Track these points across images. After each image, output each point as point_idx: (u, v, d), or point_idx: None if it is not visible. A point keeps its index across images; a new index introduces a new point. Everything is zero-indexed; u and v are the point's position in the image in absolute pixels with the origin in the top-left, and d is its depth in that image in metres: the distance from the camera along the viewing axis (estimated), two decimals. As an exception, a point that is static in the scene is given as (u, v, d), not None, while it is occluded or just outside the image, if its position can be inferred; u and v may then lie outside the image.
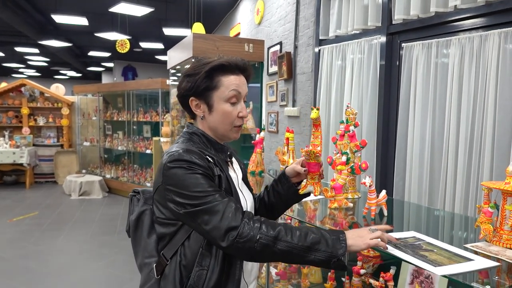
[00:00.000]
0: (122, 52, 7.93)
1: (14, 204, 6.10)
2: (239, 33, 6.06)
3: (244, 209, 1.08)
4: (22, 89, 7.89)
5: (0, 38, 10.27)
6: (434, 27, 2.46)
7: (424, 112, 2.53)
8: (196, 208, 0.97)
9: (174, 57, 3.95)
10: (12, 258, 3.84)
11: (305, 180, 1.21)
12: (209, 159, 1.06)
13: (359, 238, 0.99)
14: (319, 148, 1.19)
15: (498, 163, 2.07)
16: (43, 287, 3.25)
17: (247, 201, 1.17)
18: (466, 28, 2.28)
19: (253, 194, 1.29)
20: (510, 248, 1.14)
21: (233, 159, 1.27)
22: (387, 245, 1.05)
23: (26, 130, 7.64)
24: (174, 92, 4.84)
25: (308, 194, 1.22)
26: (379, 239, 1.02)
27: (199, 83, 1.10)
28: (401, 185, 2.68)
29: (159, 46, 9.88)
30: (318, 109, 1.20)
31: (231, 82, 1.10)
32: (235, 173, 1.20)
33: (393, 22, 2.70)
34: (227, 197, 1.01)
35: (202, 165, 1.02)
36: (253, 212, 1.25)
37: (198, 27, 5.37)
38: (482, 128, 2.18)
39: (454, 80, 2.34)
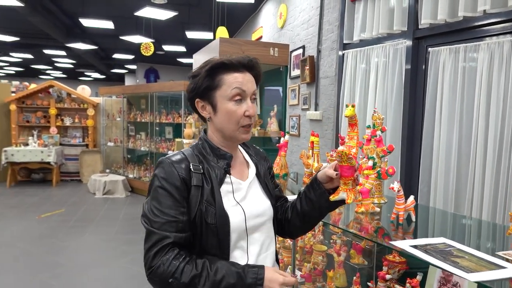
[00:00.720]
0: (147, 55, 8.11)
1: (42, 201, 6.31)
2: (261, 37, 6.11)
3: (238, 222, 1.04)
4: (50, 90, 8.15)
5: (30, 40, 10.65)
6: (462, 31, 2.43)
7: (450, 118, 2.50)
8: (145, 223, 1.02)
9: (199, 60, 4.02)
10: (41, 253, 3.98)
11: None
12: (193, 169, 1.04)
13: (274, 283, 0.99)
14: (354, 150, 1.06)
15: (528, 171, 2.04)
16: (70, 282, 3.36)
17: (245, 213, 1.06)
18: (495, 33, 2.26)
19: (274, 199, 1.21)
20: (544, 257, 1.13)
21: (240, 164, 1.17)
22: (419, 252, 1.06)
23: (53, 129, 7.89)
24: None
25: (342, 202, 1.08)
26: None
27: (201, 83, 1.07)
28: (426, 191, 2.66)
29: (181, 49, 10.04)
30: (353, 106, 1.07)
31: (234, 80, 1.05)
32: (231, 183, 1.09)
33: (420, 27, 2.69)
34: (169, 231, 0.98)
35: (169, 180, 1.01)
36: (270, 217, 1.15)
37: (222, 31, 5.45)
38: (512, 135, 2.15)
39: (482, 86, 2.31)
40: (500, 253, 1.18)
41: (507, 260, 1.13)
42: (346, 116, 1.06)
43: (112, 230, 4.84)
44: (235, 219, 1.04)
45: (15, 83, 8.75)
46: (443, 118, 2.54)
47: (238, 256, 1.06)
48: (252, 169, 1.18)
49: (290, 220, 1.22)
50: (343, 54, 3.42)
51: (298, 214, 1.19)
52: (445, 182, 2.51)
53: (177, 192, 1.01)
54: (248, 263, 1.06)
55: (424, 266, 1.75)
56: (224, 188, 1.06)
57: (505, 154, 2.18)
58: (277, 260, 1.23)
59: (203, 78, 1.07)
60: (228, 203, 1.05)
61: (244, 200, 1.09)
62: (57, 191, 7.17)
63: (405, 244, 1.24)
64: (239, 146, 1.22)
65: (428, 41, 2.68)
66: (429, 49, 2.66)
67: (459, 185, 2.45)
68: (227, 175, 1.09)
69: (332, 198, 1.08)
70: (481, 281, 0.95)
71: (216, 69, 1.07)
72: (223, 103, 1.05)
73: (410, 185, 2.76)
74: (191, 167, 1.04)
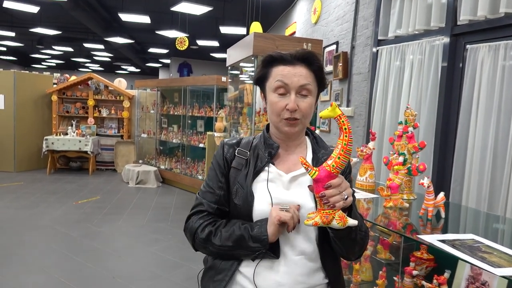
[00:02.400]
0: (181, 49, 8.28)
1: (79, 188, 6.62)
2: (294, 32, 6.11)
3: (256, 208, 1.06)
4: (89, 82, 8.50)
5: (71, 34, 11.14)
6: (503, 28, 2.36)
7: (487, 117, 2.44)
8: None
9: (233, 55, 4.09)
10: (77, 237, 4.21)
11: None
12: (237, 153, 1.14)
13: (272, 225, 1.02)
14: (330, 162, 0.89)
15: None
16: (104, 265, 3.53)
17: (272, 200, 1.04)
18: (539, 29, 2.18)
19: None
20: None
21: (294, 159, 1.12)
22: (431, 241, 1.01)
23: (91, 120, 8.23)
24: (231, 89, 5.00)
25: (347, 228, 0.93)
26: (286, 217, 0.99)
27: (257, 73, 1.14)
28: (459, 190, 2.61)
29: (215, 44, 10.18)
30: (331, 105, 0.90)
31: (278, 72, 1.06)
32: (268, 172, 1.09)
33: (458, 23, 2.62)
34: (205, 199, 1.14)
35: (217, 158, 1.16)
36: (293, 221, 1.03)
37: (256, 26, 5.49)
38: (552, 135, 2.07)
39: (523, 84, 2.23)
40: (532, 252, 1.16)
41: (539, 259, 1.12)
42: (320, 117, 0.94)
43: (143, 218, 5.03)
44: (260, 207, 1.05)
45: (56, 75, 9.18)
46: (479, 116, 2.48)
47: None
48: (289, 162, 1.12)
49: (332, 241, 1.07)
50: (377, 51, 3.39)
51: (331, 236, 1.06)
52: (479, 182, 2.46)
53: (218, 169, 1.14)
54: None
55: (452, 265, 1.74)
56: (262, 176, 1.09)
57: (545, 155, 2.11)
58: (329, 276, 1.10)
59: (260, 69, 1.13)
60: (259, 189, 1.07)
61: (281, 192, 1.07)
62: (93, 179, 7.49)
63: (432, 239, 1.24)
64: (309, 144, 1.17)
65: (467, 38, 2.61)
66: (468, 46, 2.59)
67: (493, 185, 2.39)
68: (270, 163, 1.10)
69: (306, 222, 0.93)
70: (509, 276, 0.96)
71: (268, 62, 1.10)
72: (270, 95, 1.08)
73: (442, 183, 2.71)
74: (237, 151, 1.14)
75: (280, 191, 1.07)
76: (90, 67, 20.42)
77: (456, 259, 1.75)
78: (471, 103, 2.55)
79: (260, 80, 1.13)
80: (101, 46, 12.48)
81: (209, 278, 1.11)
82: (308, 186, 0.96)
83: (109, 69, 20.37)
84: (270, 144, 1.12)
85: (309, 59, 1.07)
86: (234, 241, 1.04)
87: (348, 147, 0.88)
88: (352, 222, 0.91)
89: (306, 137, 1.18)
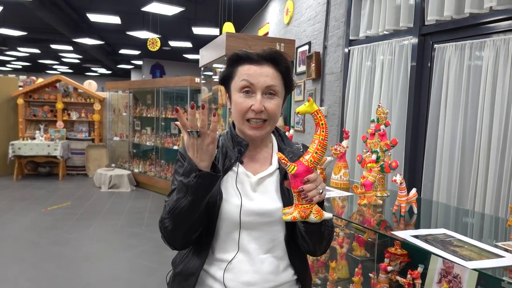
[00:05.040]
0: (153, 50, 8.15)
1: (48, 194, 6.39)
2: (267, 33, 6.13)
3: (230, 211, 1.02)
4: (57, 84, 8.22)
5: (37, 35, 10.74)
6: (468, 28, 2.44)
7: (455, 114, 2.51)
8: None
9: (206, 56, 4.05)
10: (47, 245, 4.05)
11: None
12: None
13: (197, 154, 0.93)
14: (307, 157, 0.90)
15: (531, 167, 2.05)
16: (76, 273, 3.42)
17: (242, 205, 1.02)
18: (501, 29, 2.27)
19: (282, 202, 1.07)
20: (542, 248, 1.15)
21: (261, 160, 1.10)
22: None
23: (60, 124, 7.96)
24: (204, 90, 4.95)
25: (316, 222, 0.93)
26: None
27: (222, 73, 1.10)
28: (430, 186, 2.68)
29: (187, 44, 10.08)
30: (309, 101, 0.90)
31: (244, 72, 1.03)
32: (236, 172, 1.06)
33: (426, 23, 2.70)
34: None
35: (184, 154, 1.02)
36: (278, 220, 1.04)
37: (229, 27, 5.47)
38: (516, 131, 2.16)
39: (487, 82, 2.32)
40: (500, 244, 1.20)
41: (506, 250, 1.16)
42: (297, 113, 0.92)
43: (117, 224, 4.90)
44: (228, 207, 1.02)
45: (23, 77, 8.83)
46: (448, 114, 2.56)
47: (228, 246, 1.04)
48: (273, 167, 1.09)
49: (299, 237, 1.08)
50: (349, 51, 3.44)
51: (299, 232, 1.05)
52: (448, 177, 2.53)
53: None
54: (240, 257, 1.03)
55: (425, 259, 1.78)
56: (230, 175, 1.07)
57: (509, 150, 2.19)
58: (298, 272, 1.10)
59: (225, 68, 1.09)
60: (228, 189, 1.04)
61: (248, 194, 1.05)
62: (63, 185, 7.25)
63: (406, 234, 1.26)
64: (275, 142, 1.15)
65: (434, 37, 2.68)
66: (435, 45, 2.67)
67: (462, 180, 2.47)
68: (237, 163, 1.07)
69: (284, 217, 0.93)
70: (479, 268, 0.98)
71: (234, 61, 1.07)
72: (234, 94, 1.05)
73: (414, 179, 2.77)
74: None
75: (248, 192, 1.05)
76: (58, 69, 19.78)
77: (428, 254, 1.80)
78: (440, 101, 2.63)
79: (225, 79, 1.09)
80: (70, 48, 12.11)
81: (178, 284, 1.09)
82: (285, 182, 0.96)
83: (79, 71, 19.79)
84: (239, 141, 1.08)
85: (277, 59, 1.04)
86: (178, 192, 0.96)
87: (324, 142, 0.90)
88: (327, 215, 0.93)
89: (272, 136, 1.16)
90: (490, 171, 2.28)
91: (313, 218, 0.90)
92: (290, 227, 1.07)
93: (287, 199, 1.04)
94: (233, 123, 1.13)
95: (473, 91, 2.43)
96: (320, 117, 0.90)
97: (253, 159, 1.11)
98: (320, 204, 0.95)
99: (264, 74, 1.02)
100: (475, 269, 0.97)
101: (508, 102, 2.21)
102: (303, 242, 1.05)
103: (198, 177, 0.91)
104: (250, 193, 1.06)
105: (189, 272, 1.06)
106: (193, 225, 1.00)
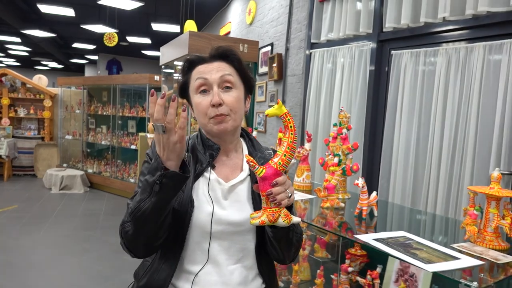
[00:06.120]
0: (110, 45, 7.83)
1: (-8, 197, 5.96)
2: (229, 32, 6.08)
3: (202, 219, 0.97)
4: (3, 78, 7.67)
5: (-20, 25, 9.96)
6: (423, 36, 2.55)
7: (410, 118, 2.62)
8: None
9: (167, 54, 3.94)
10: (-9, 252, 3.77)
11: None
12: None
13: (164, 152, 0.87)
14: (276, 160, 0.88)
15: (478, 169, 2.18)
16: (24, 282, 3.20)
17: (213, 214, 0.98)
18: (453, 39, 2.39)
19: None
20: (493, 249, 1.22)
21: (232, 166, 1.07)
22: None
23: (5, 121, 7.44)
24: (164, 88, 4.82)
25: (284, 227, 0.92)
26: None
27: (179, 84, 1.08)
28: (386, 187, 2.78)
29: (146, 41, 9.79)
30: (278, 103, 0.89)
31: (197, 72, 1.02)
32: (208, 179, 1.02)
33: (384, 30, 2.79)
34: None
35: (152, 156, 0.98)
36: (250, 230, 1.02)
37: (191, 25, 5.37)
38: (465, 135, 2.29)
39: (440, 88, 2.44)
40: (455, 245, 1.25)
41: (460, 251, 1.21)
42: (267, 115, 0.88)
43: (70, 227, 4.65)
44: (199, 215, 0.98)
45: (-37, 70, 8.16)
46: (403, 118, 2.66)
47: (197, 257, 1.00)
48: (244, 173, 1.06)
49: (268, 244, 1.05)
50: (311, 53, 3.49)
51: (268, 239, 1.02)
52: (403, 179, 2.64)
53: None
54: (208, 269, 0.99)
55: (383, 259, 1.84)
56: (201, 181, 1.02)
57: (458, 153, 2.32)
58: (266, 281, 1.08)
59: (181, 79, 1.06)
60: (199, 196, 1.00)
61: (220, 202, 1.01)
62: (9, 186, 6.78)
63: (368, 238, 1.29)
64: (245, 147, 1.12)
65: (392, 44, 2.78)
66: (392, 52, 2.76)
67: (416, 181, 2.59)
68: (209, 168, 1.03)
69: (251, 221, 0.89)
70: (439, 271, 1.01)
71: (187, 68, 1.05)
72: (193, 98, 1.02)
73: (371, 181, 2.86)
74: None
75: (219, 200, 1.01)
76: (4, 62, 18.48)
77: (386, 254, 1.86)
78: (396, 105, 2.73)
79: (184, 88, 1.06)
80: (18, 39, 11.34)
81: None
82: (253, 186, 0.94)
83: (27, 64, 18.60)
84: (210, 145, 1.04)
85: (227, 54, 1.03)
86: (141, 192, 0.89)
87: (293, 144, 0.89)
88: (296, 219, 0.92)
89: (242, 140, 1.13)
90: (441, 173, 2.40)
91: (281, 222, 0.88)
92: (260, 235, 1.05)
93: (258, 207, 0.99)
94: (200, 128, 1.09)
95: (426, 97, 2.55)
96: (289, 119, 0.89)
97: (223, 166, 1.07)
98: (289, 208, 0.93)
99: (216, 68, 1.01)
100: (435, 272, 1.00)
101: (458, 108, 2.34)
102: (272, 249, 1.03)
103: (164, 176, 0.86)
104: (222, 201, 1.02)
105: (156, 285, 1.00)
106: (157, 232, 0.94)
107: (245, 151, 1.11)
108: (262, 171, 0.87)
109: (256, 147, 1.13)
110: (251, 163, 0.87)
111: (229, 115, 0.99)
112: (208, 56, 1.04)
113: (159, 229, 0.93)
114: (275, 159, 0.88)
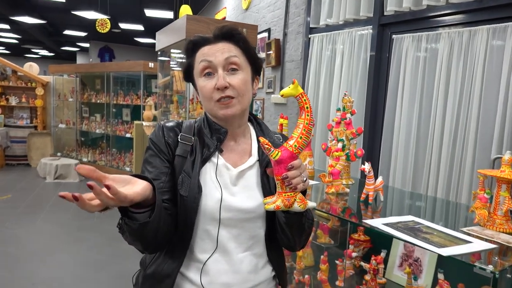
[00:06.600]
0: (103, 32, 7.68)
1: (-15, 187, 5.87)
2: (224, 18, 5.98)
3: (210, 205, 0.94)
4: (-7, 66, 7.52)
5: (-33, 11, 9.70)
6: (425, 20, 2.51)
7: (411, 103, 2.60)
8: None
9: (163, 40, 3.85)
10: (-14, 242, 3.72)
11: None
12: (181, 139, 1.00)
13: None
14: (291, 142, 0.85)
15: (480, 153, 2.18)
16: (21, 271, 3.17)
17: (222, 200, 0.95)
18: (456, 22, 2.35)
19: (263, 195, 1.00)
20: (503, 232, 1.21)
21: (240, 152, 1.03)
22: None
23: (-3, 109, 7.32)
24: (160, 75, 4.74)
25: (297, 211, 0.88)
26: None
27: (183, 67, 1.04)
28: (386, 172, 2.77)
29: (139, 28, 9.62)
30: (293, 83, 0.85)
31: (201, 54, 0.98)
32: (216, 164, 0.99)
33: (385, 14, 2.74)
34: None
35: (156, 142, 0.99)
36: (259, 216, 0.99)
37: (186, 10, 5.26)
38: (467, 120, 2.28)
39: (442, 73, 2.41)
40: (465, 229, 1.24)
41: (469, 234, 1.20)
42: (282, 96, 0.86)
43: (65, 216, 4.61)
44: (208, 202, 0.95)
45: (-49, 57, 7.96)
46: (404, 103, 2.64)
47: (206, 245, 0.97)
48: (253, 158, 1.02)
49: (278, 231, 1.03)
50: (309, 39, 3.43)
51: (279, 225, 1.00)
52: (404, 164, 2.63)
53: (162, 154, 0.99)
54: (217, 257, 0.97)
55: (387, 244, 1.83)
56: (208, 166, 0.99)
57: (460, 138, 2.31)
58: (275, 268, 1.06)
59: (185, 62, 1.02)
60: (207, 181, 0.96)
61: (229, 188, 0.97)
62: (2, 176, 6.70)
63: (378, 223, 1.27)
64: (253, 132, 1.08)
65: (393, 28, 2.74)
66: (393, 36, 2.72)
67: (416, 166, 2.58)
68: (216, 153, 0.99)
69: (266, 207, 0.86)
70: (453, 254, 1.00)
71: (191, 50, 1.01)
72: (198, 81, 0.98)
73: (371, 165, 2.84)
74: (180, 136, 1.00)
75: (228, 186, 0.98)
76: (-8, 50, 18.13)
77: (390, 239, 1.85)
78: (397, 90, 2.70)
79: (188, 72, 1.02)
80: (7, 26, 11.08)
81: (150, 287, 0.99)
82: (267, 169, 0.90)
83: (17, 52, 18.23)
84: (217, 128, 1.00)
85: (232, 33, 0.98)
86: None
87: (309, 126, 0.85)
88: (311, 204, 0.89)
89: (250, 124, 1.09)
90: (442, 158, 2.39)
91: (297, 207, 0.85)
92: (270, 222, 1.02)
93: (268, 193, 0.98)
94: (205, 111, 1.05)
95: (428, 82, 2.52)
96: (305, 100, 0.85)
97: (232, 151, 1.03)
98: (303, 192, 0.90)
99: (220, 49, 0.96)
100: (449, 256, 0.99)
101: (460, 93, 2.32)
102: (283, 235, 1.00)
103: (125, 222, 0.80)
104: (231, 187, 0.98)
105: (164, 273, 0.97)
106: (155, 237, 0.88)
107: (254, 136, 1.07)
108: (277, 154, 0.83)
109: (264, 131, 1.09)
110: (266, 146, 0.83)
111: (236, 97, 0.95)
112: (212, 36, 0.99)
113: (154, 238, 0.88)
114: (291, 142, 0.85)
